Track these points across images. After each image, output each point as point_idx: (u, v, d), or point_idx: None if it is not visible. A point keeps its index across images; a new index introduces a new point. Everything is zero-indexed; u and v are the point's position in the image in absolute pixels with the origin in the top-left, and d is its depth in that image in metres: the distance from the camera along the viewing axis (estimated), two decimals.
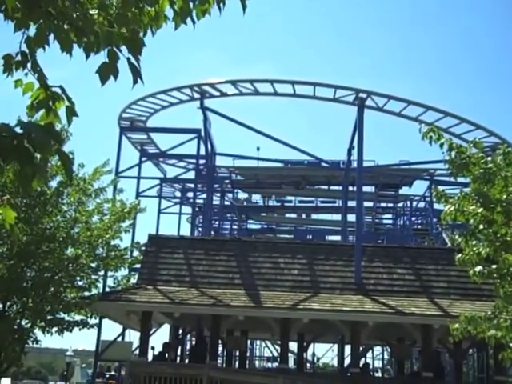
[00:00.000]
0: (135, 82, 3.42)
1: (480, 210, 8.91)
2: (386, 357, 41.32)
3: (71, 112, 3.43)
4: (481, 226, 9.05)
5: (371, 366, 39.60)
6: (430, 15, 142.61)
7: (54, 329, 16.39)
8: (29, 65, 3.37)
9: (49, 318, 16.20)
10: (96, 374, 27.30)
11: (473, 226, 9.26)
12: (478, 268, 9.06)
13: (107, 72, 3.31)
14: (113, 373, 27.06)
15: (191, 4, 3.47)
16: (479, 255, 9.09)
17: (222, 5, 3.49)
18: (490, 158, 9.16)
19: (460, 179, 10.42)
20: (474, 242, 9.30)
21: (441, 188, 10.46)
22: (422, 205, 39.01)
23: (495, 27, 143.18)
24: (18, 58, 3.37)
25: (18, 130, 3.18)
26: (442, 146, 9.23)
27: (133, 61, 3.37)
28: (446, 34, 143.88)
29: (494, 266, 8.96)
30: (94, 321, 17.58)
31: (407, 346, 20.76)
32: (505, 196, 8.86)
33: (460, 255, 9.35)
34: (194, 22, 3.51)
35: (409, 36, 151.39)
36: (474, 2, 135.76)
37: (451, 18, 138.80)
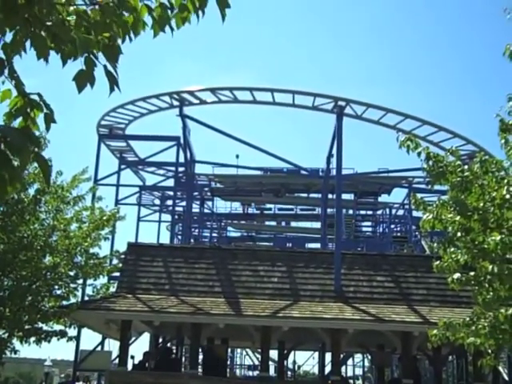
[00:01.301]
0: (112, 89, 3.41)
1: (458, 217, 9.00)
2: (366, 364, 41.46)
3: (49, 119, 3.41)
4: (458, 234, 9.13)
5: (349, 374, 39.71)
6: (409, 23, 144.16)
7: (32, 339, 16.19)
8: (6, 71, 3.35)
9: (26, 327, 15.99)
10: None
11: (451, 234, 9.34)
12: (457, 275, 9.13)
13: (84, 80, 3.30)
14: (81, 383, 25.97)
15: (169, 12, 3.46)
16: (457, 262, 9.17)
17: (200, 13, 3.49)
18: (466, 167, 9.26)
19: (438, 187, 10.52)
20: (452, 250, 9.38)
21: (419, 195, 10.55)
22: (401, 212, 39.25)
23: (476, 37, 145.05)
24: None
25: None
26: (419, 154, 9.33)
27: (110, 68, 3.36)
28: (426, 42, 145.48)
29: (472, 273, 9.04)
30: (72, 332, 17.39)
31: (387, 353, 20.84)
32: (482, 204, 8.95)
33: (438, 262, 9.42)
34: (172, 30, 3.50)
35: (390, 43, 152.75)
36: (462, 11, 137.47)
37: (433, 26, 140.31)
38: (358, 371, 42.98)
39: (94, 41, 3.23)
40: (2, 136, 3.09)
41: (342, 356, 21.84)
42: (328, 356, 21.45)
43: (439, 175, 9.22)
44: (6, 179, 3.14)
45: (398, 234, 40.17)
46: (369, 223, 44.00)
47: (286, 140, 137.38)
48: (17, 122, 3.42)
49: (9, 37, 3.27)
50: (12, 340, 16.07)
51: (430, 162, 9.28)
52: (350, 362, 38.18)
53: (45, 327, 16.54)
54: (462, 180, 9.04)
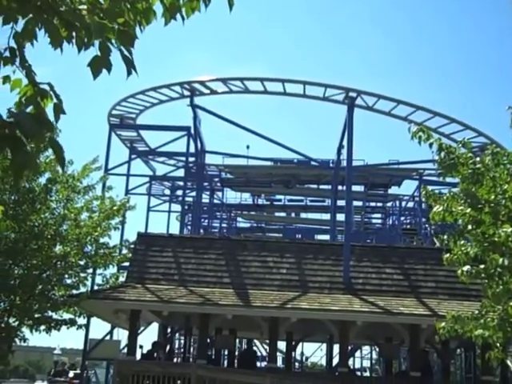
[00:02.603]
0: (129, 73, 3.40)
1: (468, 210, 8.95)
2: (374, 356, 41.47)
3: (59, 109, 3.40)
4: (469, 227, 9.09)
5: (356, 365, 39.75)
6: (421, 14, 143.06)
7: (42, 327, 16.30)
8: (17, 61, 3.34)
9: (36, 316, 16.10)
10: (55, 372, 25.24)
11: (461, 226, 9.30)
12: (466, 268, 9.09)
13: (99, 65, 3.28)
14: (79, 371, 25.30)
15: (181, 0, 3.45)
16: (467, 255, 9.13)
17: (207, 1, 3.47)
18: (478, 159, 9.21)
19: (449, 179, 10.47)
20: (463, 242, 9.34)
21: (430, 188, 10.50)
22: (410, 204, 39.14)
23: (486, 29, 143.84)
24: (7, 53, 3.34)
25: (8, 119, 3.16)
26: (431, 145, 9.27)
27: (125, 52, 3.34)
28: (437, 33, 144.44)
29: (482, 266, 9.00)
30: (82, 320, 17.50)
31: (395, 345, 20.83)
32: (493, 196, 8.90)
33: (448, 255, 9.38)
34: (183, 19, 3.49)
35: (401, 35, 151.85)
36: (468, 5, 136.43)
37: (444, 17, 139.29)
38: (366, 363, 43.03)
39: (109, 26, 3.21)
40: (16, 121, 3.10)
41: (349, 348, 21.84)
42: (336, 348, 21.47)
43: (451, 167, 9.16)
44: (21, 164, 3.15)
45: (408, 227, 40.08)
46: (379, 215, 43.92)
47: (297, 131, 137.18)
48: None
49: (20, 26, 3.27)
50: (22, 328, 16.19)
51: (442, 154, 9.22)
52: (357, 354, 38.17)
53: (54, 316, 16.66)
54: (474, 172, 8.99)
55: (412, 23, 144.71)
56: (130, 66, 3.37)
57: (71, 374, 24.64)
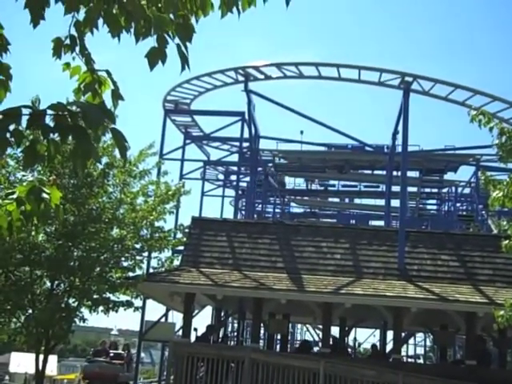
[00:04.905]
0: (183, 68, 3.44)
1: None
2: (428, 343, 40.99)
3: (116, 96, 3.47)
4: None
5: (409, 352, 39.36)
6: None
7: (100, 308, 16.72)
8: (77, 48, 3.42)
9: (95, 297, 16.54)
10: (95, 351, 25.05)
11: None
12: None
13: (156, 57, 3.33)
14: (120, 351, 25.05)
15: None
16: None
17: None
18: None
19: (508, 165, 10.23)
20: None
21: (488, 174, 10.28)
22: (467, 191, 38.34)
23: None
24: (67, 41, 3.42)
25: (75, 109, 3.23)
26: (491, 129, 9.06)
27: (182, 48, 3.38)
28: (495, 18, 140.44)
29: None
30: (138, 303, 17.88)
31: (450, 333, 20.53)
32: None
33: (507, 241, 9.19)
34: (239, 12, 3.49)
35: (457, 19, 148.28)
36: None
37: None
38: (420, 350, 42.59)
39: (168, 20, 3.25)
40: (82, 112, 3.17)
41: (403, 334, 21.62)
42: (389, 334, 21.28)
43: None
44: (85, 153, 3.22)
45: (464, 213, 39.30)
46: (434, 201, 43.18)
47: (351, 116, 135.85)
48: (84, 98, 3.49)
49: (81, 15, 3.34)
50: (81, 309, 16.66)
51: (503, 138, 9.00)
52: (411, 340, 37.80)
53: (112, 297, 17.07)
54: None
55: (468, 7, 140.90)
56: (184, 61, 3.40)
57: (112, 353, 24.58)
